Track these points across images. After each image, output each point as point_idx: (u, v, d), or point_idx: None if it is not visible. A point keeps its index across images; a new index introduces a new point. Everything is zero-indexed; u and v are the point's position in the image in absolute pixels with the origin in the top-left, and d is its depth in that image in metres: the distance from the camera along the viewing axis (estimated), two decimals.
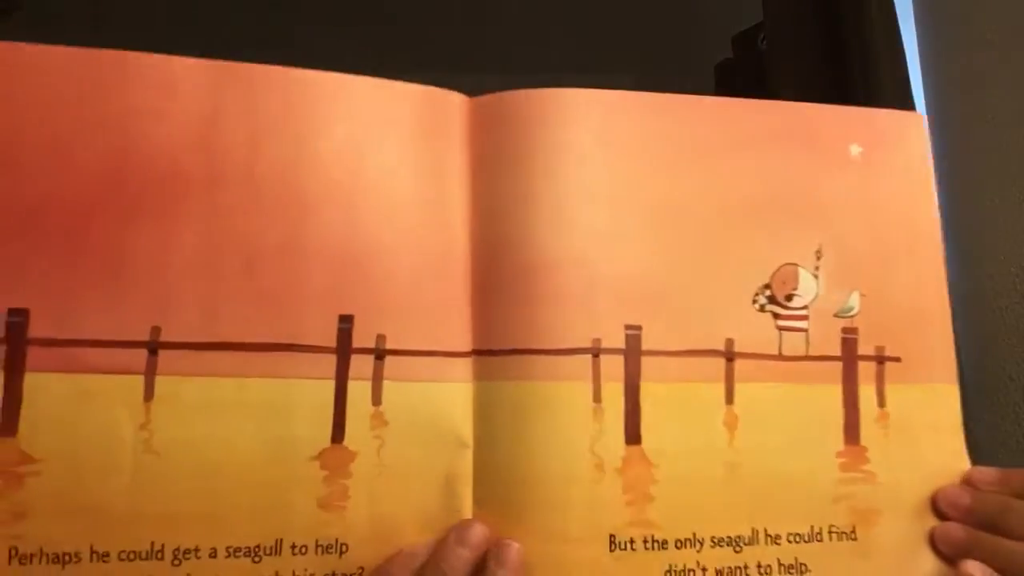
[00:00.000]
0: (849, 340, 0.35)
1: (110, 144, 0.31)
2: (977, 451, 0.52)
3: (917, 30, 0.73)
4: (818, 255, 0.35)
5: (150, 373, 0.30)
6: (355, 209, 0.33)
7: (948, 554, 0.33)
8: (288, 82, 0.33)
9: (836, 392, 0.34)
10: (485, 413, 0.32)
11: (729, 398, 0.33)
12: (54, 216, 0.30)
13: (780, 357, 0.34)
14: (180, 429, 0.30)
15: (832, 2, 0.70)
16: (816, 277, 0.34)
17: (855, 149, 0.36)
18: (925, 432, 0.35)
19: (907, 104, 0.66)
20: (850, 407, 0.34)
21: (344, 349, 0.32)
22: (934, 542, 0.33)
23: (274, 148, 0.33)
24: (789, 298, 0.34)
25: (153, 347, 0.30)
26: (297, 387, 0.31)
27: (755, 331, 0.34)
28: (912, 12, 0.73)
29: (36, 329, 0.29)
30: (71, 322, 0.30)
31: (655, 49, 1.12)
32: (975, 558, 0.31)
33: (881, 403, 0.35)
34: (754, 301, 0.34)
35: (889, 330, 0.35)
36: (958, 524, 0.33)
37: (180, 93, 0.32)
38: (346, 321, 0.32)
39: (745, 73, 0.80)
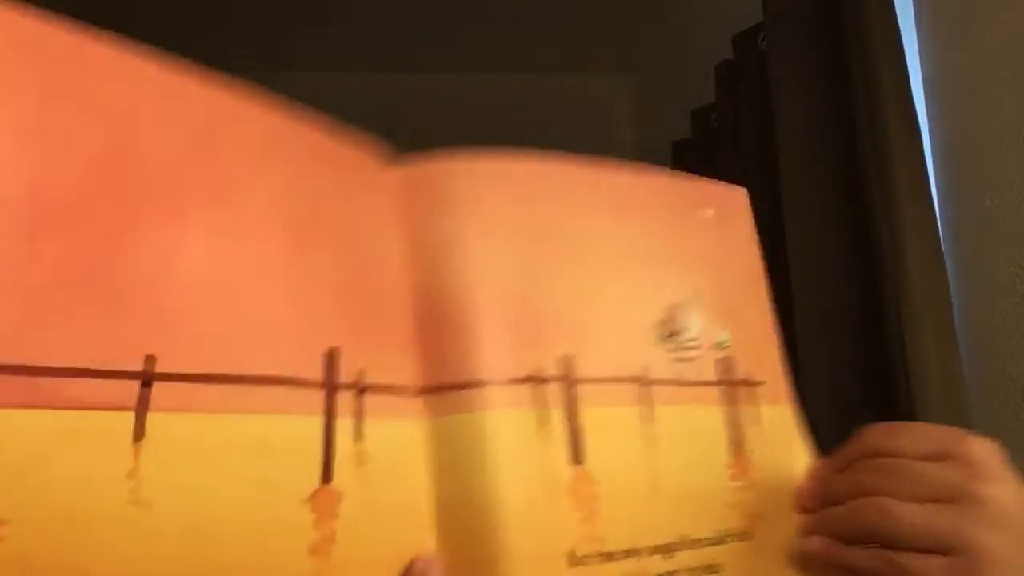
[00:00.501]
0: (727, 368, 0.40)
1: (105, 138, 0.26)
2: None
3: (917, 30, 0.73)
4: (697, 295, 0.40)
5: (142, 409, 0.24)
6: (328, 239, 0.32)
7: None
8: (274, 112, 0.32)
9: (723, 412, 0.39)
10: (441, 446, 0.32)
11: (648, 419, 0.36)
12: (25, 215, 0.24)
13: (681, 382, 0.38)
14: (173, 475, 0.25)
15: (832, 2, 0.70)
16: (698, 314, 0.40)
17: (709, 212, 0.43)
18: (785, 442, 0.40)
19: (907, 104, 0.66)
20: (732, 424, 0.39)
21: (332, 382, 0.30)
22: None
23: (274, 169, 0.31)
24: (681, 332, 0.39)
25: (148, 379, 0.25)
26: (288, 423, 0.28)
27: (661, 360, 0.38)
28: (912, 12, 0.73)
29: (1, 355, 0.22)
30: (46, 347, 0.23)
31: (655, 49, 1.12)
32: (818, 533, 0.36)
33: (756, 421, 0.40)
34: (657, 334, 0.39)
35: (751, 360, 0.41)
36: (810, 513, 0.37)
37: (180, 98, 0.29)
38: (334, 354, 0.30)
39: (745, 73, 0.80)
